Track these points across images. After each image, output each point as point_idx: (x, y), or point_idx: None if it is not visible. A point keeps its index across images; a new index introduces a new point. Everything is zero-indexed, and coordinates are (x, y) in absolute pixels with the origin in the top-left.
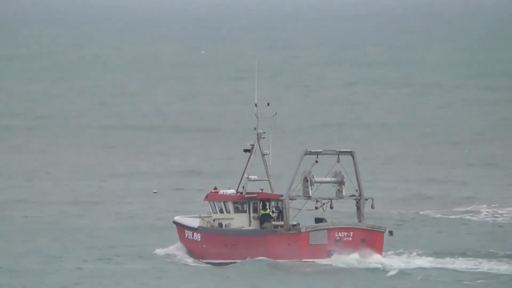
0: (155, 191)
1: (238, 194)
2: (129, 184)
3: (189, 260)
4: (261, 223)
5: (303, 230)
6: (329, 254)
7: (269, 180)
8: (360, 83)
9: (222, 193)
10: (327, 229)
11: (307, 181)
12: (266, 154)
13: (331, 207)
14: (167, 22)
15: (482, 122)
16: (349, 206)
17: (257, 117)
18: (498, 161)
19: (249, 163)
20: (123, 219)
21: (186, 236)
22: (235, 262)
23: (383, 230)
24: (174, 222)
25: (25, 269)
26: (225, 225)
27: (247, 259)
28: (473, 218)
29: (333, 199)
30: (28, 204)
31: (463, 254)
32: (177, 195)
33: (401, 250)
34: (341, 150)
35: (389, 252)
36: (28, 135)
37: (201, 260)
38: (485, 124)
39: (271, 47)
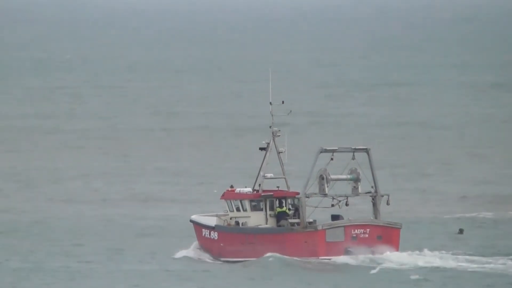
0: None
1: (255, 192)
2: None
3: (207, 259)
4: (278, 221)
5: (320, 227)
6: (345, 251)
7: (285, 178)
8: None
9: (238, 191)
10: (343, 226)
11: (323, 178)
12: (281, 152)
13: (347, 204)
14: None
15: None
16: (365, 203)
17: (272, 115)
18: None
19: (264, 161)
20: None
21: (203, 234)
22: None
23: (399, 227)
24: (191, 221)
25: None
26: (242, 223)
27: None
28: None
29: (349, 196)
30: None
31: None
32: None
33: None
34: (356, 147)
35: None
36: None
37: (218, 258)
38: None
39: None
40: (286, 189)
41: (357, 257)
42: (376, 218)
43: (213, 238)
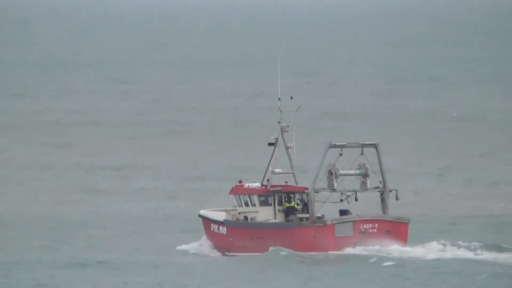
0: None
1: (263, 187)
2: None
3: (216, 254)
4: (286, 216)
5: (329, 222)
6: (354, 246)
7: (293, 173)
8: None
9: (247, 186)
10: (352, 221)
11: (331, 173)
12: (290, 147)
13: (356, 199)
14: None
15: None
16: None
17: (280, 111)
18: None
19: (273, 157)
20: None
21: (212, 229)
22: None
23: (407, 222)
24: (200, 216)
25: None
26: (251, 218)
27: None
28: None
29: (358, 191)
30: None
31: None
32: None
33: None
34: (365, 142)
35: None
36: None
37: (227, 253)
38: None
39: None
40: (295, 184)
41: (366, 251)
42: (384, 213)
43: (222, 233)
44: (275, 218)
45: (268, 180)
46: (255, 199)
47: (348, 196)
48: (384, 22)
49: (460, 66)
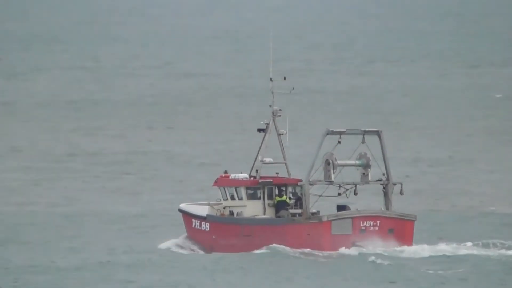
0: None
1: (251, 178)
2: None
3: (197, 253)
4: (277, 211)
5: (324, 218)
6: (353, 246)
7: (285, 163)
8: None
9: (233, 177)
10: (351, 217)
11: (329, 164)
12: (282, 134)
13: (355, 193)
14: None
15: None
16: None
17: (272, 93)
18: None
19: (263, 144)
20: None
21: (193, 225)
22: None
23: (413, 219)
24: (180, 211)
25: None
26: (237, 213)
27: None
28: None
29: (358, 184)
30: None
31: None
32: None
33: None
34: (367, 129)
35: None
36: None
37: (210, 252)
38: None
39: None
40: (287, 176)
41: (366, 251)
42: (387, 209)
43: (205, 229)
44: (264, 214)
45: (257, 170)
46: (242, 192)
47: (347, 190)
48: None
49: None
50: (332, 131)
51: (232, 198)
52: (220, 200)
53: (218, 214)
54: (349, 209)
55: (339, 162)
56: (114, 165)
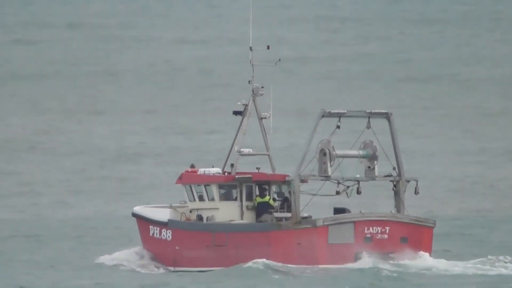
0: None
1: (225, 174)
2: None
3: (155, 269)
4: (258, 215)
5: (320, 223)
6: (356, 258)
7: (268, 155)
8: None
9: (202, 173)
10: (353, 222)
11: (324, 154)
12: (265, 118)
13: (358, 192)
14: None
15: None
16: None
17: (252, 66)
18: None
19: (240, 131)
20: None
21: (151, 234)
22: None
23: (432, 225)
24: (134, 215)
25: None
26: (207, 217)
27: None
28: None
29: (362, 180)
30: None
31: None
32: None
33: None
34: (373, 111)
35: None
36: None
37: (172, 268)
38: None
39: None
40: (271, 171)
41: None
42: (399, 212)
43: (166, 238)
44: (242, 219)
45: (232, 164)
46: (214, 191)
47: (348, 187)
48: None
49: None
50: (329, 112)
51: (201, 199)
52: (186, 201)
53: (183, 219)
54: (350, 212)
55: (338, 152)
56: None
